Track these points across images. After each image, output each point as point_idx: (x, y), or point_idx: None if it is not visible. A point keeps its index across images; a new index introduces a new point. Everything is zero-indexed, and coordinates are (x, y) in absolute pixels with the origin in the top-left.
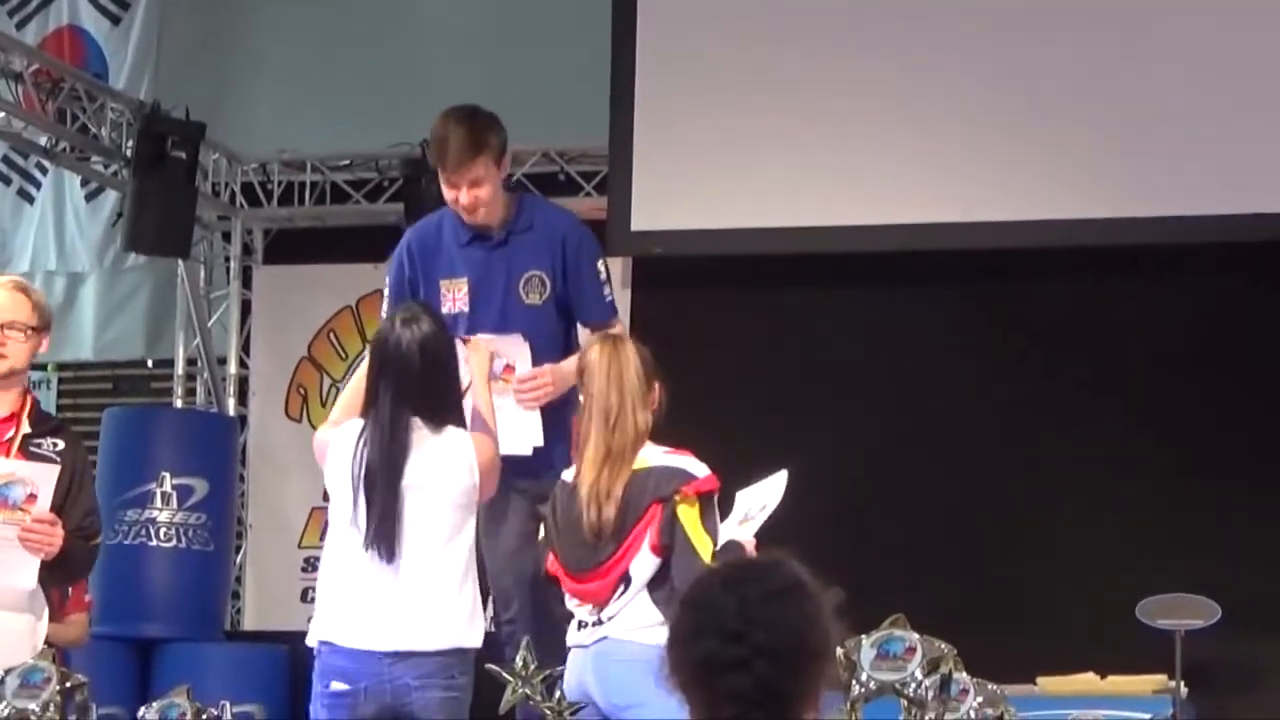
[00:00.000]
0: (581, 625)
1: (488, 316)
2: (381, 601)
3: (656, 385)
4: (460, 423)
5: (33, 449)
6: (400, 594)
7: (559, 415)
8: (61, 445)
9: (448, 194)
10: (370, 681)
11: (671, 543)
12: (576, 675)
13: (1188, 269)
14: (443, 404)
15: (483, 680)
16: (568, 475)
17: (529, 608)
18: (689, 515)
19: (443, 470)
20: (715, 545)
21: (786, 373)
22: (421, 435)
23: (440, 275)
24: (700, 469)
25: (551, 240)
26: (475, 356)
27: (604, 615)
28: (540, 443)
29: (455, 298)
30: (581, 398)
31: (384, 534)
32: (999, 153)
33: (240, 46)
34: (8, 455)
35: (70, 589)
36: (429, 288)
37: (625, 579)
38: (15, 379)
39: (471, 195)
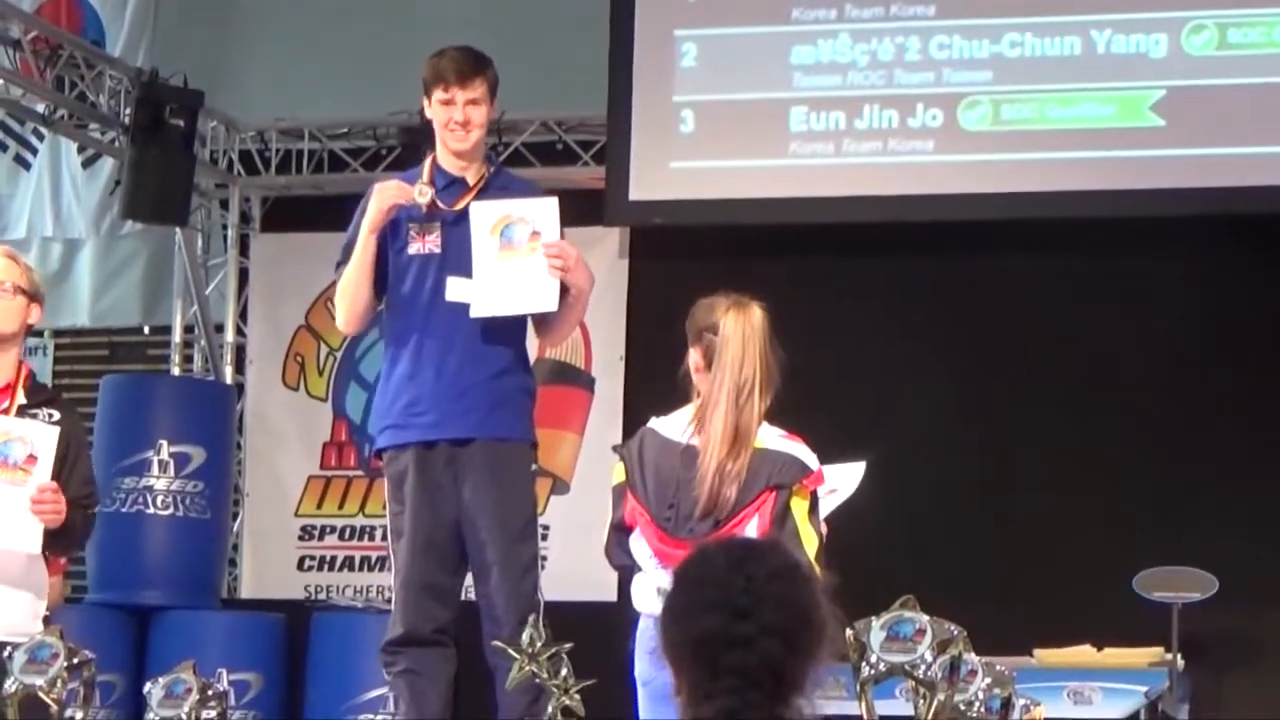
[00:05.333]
0: (661, 592)
1: (464, 257)
2: None
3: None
4: None
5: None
6: None
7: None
8: (57, 416)
9: (442, 114)
10: None
11: (779, 533)
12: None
13: (1181, 243)
14: None
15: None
16: (666, 429)
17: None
18: (800, 508)
19: None
20: (820, 543)
21: (786, 344)
22: None
23: (408, 219)
24: (814, 461)
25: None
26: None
27: None
28: (554, 307)
29: (426, 239)
30: (695, 353)
31: None
32: (1000, 123)
33: (238, 14)
34: None
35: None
36: (392, 230)
37: None
38: (7, 346)
39: (467, 113)
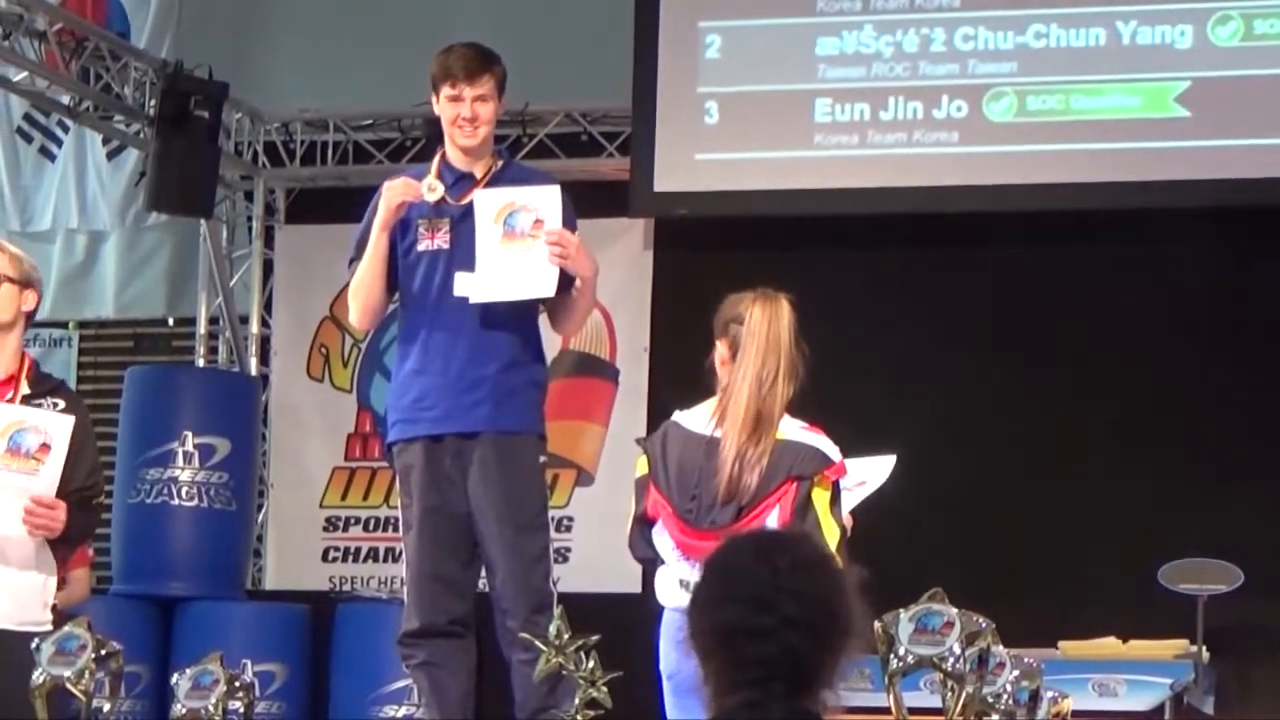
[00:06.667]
0: (684, 585)
1: (472, 252)
2: None
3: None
4: None
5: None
6: None
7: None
8: (62, 405)
9: (450, 110)
10: None
11: (801, 524)
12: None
13: (1208, 233)
14: None
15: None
16: (689, 422)
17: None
18: (822, 500)
19: None
20: (842, 535)
21: (809, 336)
22: None
23: (418, 216)
24: (836, 453)
25: None
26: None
27: None
28: (551, 293)
29: (435, 235)
30: (721, 345)
31: None
32: (1025, 114)
33: (263, 6)
34: None
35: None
36: (402, 228)
37: None
38: (4, 335)
39: (474, 109)
